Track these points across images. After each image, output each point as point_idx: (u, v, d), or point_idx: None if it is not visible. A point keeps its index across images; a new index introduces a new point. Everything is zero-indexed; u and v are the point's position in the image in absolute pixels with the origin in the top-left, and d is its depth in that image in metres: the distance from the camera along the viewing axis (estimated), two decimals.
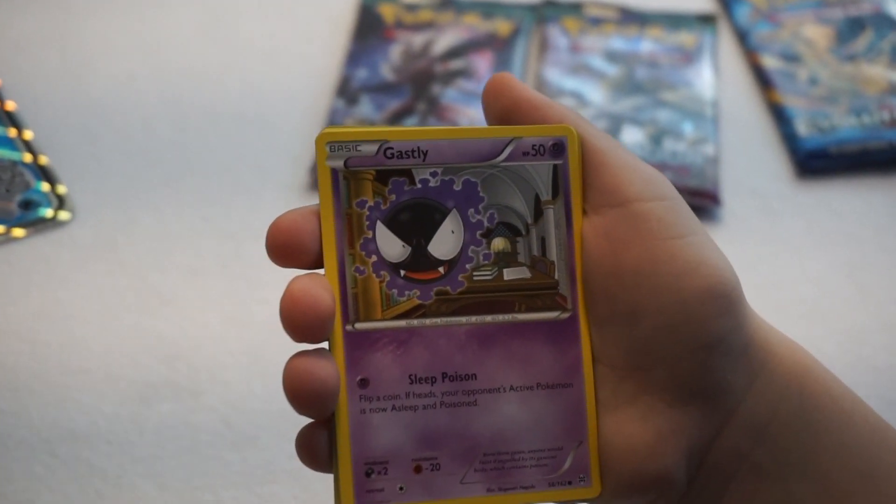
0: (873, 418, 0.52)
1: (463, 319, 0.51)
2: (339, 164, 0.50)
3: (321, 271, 0.50)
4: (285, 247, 0.49)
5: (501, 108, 0.52)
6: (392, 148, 0.50)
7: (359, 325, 0.50)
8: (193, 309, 0.92)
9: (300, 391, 0.48)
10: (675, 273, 0.49)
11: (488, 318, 0.51)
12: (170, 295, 0.93)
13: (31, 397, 0.85)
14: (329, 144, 0.50)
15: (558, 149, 0.51)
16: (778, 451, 0.51)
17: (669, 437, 0.50)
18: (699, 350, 0.49)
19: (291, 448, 0.82)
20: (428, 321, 0.50)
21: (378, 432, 0.50)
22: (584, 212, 0.51)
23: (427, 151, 0.50)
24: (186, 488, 0.80)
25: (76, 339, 0.89)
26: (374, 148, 0.50)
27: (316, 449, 0.50)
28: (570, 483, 0.51)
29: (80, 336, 0.89)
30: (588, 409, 0.51)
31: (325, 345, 0.50)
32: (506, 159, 0.51)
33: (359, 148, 0.50)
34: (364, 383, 0.50)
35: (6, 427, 0.83)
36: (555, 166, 0.51)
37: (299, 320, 0.48)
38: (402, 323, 0.50)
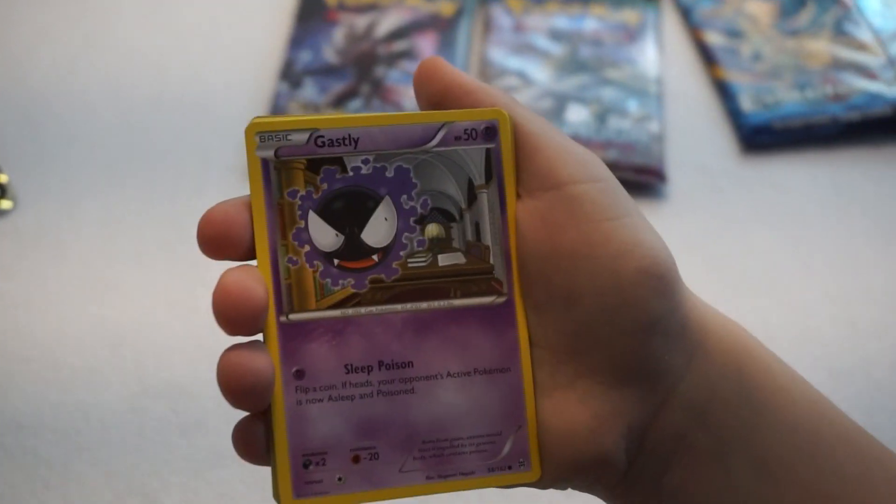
0: (812, 394, 0.52)
1: (398, 307, 0.50)
2: (270, 153, 0.49)
3: (254, 263, 0.49)
4: (217, 239, 0.49)
5: (433, 93, 0.52)
6: (322, 136, 0.50)
7: (293, 316, 0.49)
8: (138, 295, 0.91)
9: (235, 385, 0.47)
10: (611, 255, 0.49)
11: (424, 304, 0.51)
12: (114, 281, 0.92)
13: None
14: (259, 135, 0.49)
15: (490, 133, 0.51)
16: (717, 431, 0.51)
17: (608, 419, 0.50)
18: (636, 332, 0.49)
19: None
20: (363, 310, 0.50)
21: (315, 423, 0.49)
22: (519, 195, 0.51)
23: (358, 139, 0.50)
24: (134, 475, 0.79)
25: (20, 327, 0.88)
26: (304, 137, 0.49)
27: (253, 442, 0.49)
28: (509, 468, 0.51)
29: (24, 325, 0.88)
30: (526, 393, 0.51)
31: (259, 337, 0.49)
32: (438, 144, 0.51)
33: (289, 137, 0.49)
34: (300, 374, 0.49)
35: None
36: (487, 150, 0.51)
37: (232, 314, 0.47)
38: (336, 312, 0.50)
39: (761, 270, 0.95)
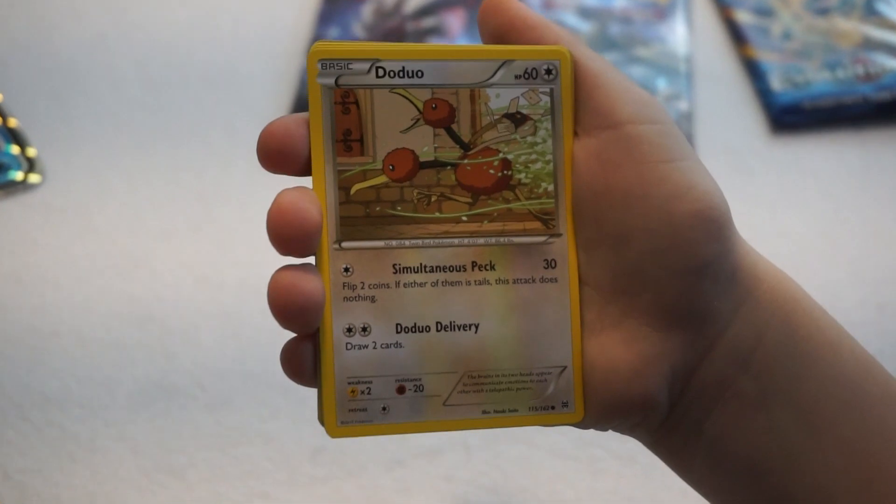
0: (859, 351, 0.52)
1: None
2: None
3: (309, 182, 0.49)
4: (276, 153, 0.49)
5: (497, 27, 0.51)
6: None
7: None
8: (165, 271, 0.91)
9: (285, 304, 0.47)
10: (666, 196, 0.49)
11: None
12: (142, 257, 0.92)
13: (2, 362, 0.84)
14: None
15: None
16: (762, 379, 0.50)
17: (653, 360, 0.50)
18: (686, 274, 0.49)
19: (265, 410, 0.82)
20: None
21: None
22: (576, 133, 0.51)
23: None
24: (160, 451, 0.79)
25: (47, 303, 0.88)
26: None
27: (300, 363, 0.49)
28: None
29: (52, 300, 0.89)
30: (573, 333, 0.51)
31: (311, 260, 0.50)
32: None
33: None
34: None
35: None
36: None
37: (286, 233, 0.48)
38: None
39: (789, 251, 0.95)
